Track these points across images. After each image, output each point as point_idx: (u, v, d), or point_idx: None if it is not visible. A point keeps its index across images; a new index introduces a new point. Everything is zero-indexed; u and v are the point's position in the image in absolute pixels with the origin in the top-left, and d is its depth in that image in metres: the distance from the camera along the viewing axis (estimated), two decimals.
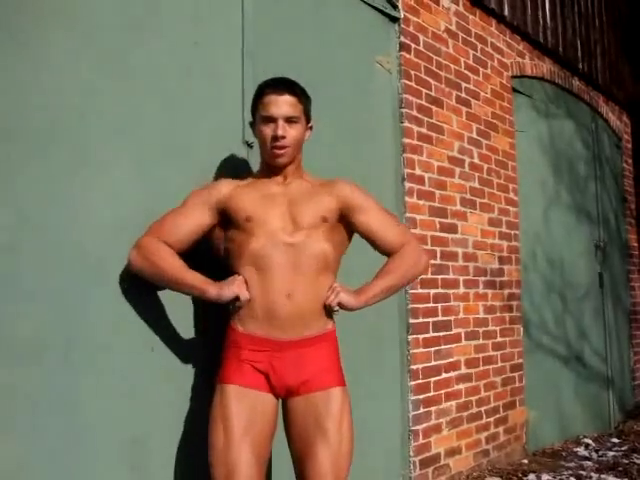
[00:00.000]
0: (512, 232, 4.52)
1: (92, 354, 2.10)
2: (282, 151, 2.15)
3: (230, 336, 2.14)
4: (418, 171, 3.66)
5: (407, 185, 3.57)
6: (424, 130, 3.74)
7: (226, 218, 2.18)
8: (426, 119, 3.77)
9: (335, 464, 2.05)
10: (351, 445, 2.12)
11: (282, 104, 2.14)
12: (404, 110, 3.59)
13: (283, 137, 2.13)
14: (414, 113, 3.67)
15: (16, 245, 1.96)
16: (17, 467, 1.91)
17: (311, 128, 2.28)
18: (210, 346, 2.44)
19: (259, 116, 2.18)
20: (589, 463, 4.35)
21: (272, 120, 2.14)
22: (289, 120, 2.14)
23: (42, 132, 2.04)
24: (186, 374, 2.37)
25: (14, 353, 1.92)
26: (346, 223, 2.24)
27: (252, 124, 2.27)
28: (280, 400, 2.14)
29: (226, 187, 2.21)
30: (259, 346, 2.08)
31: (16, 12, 2.01)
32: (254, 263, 2.08)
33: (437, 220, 3.78)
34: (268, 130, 2.15)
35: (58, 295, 2.03)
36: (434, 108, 3.84)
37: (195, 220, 2.17)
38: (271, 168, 2.22)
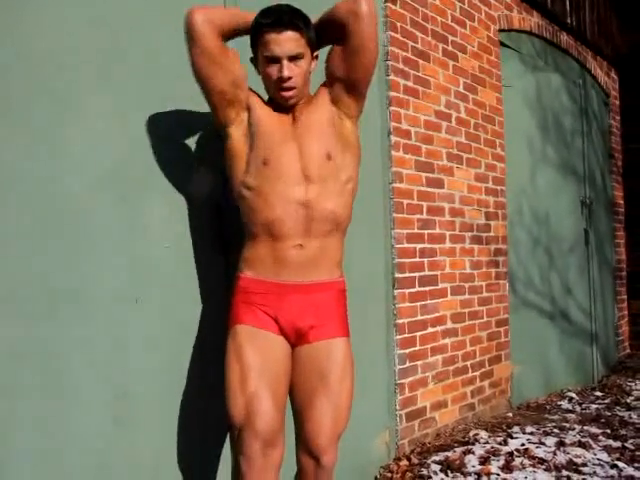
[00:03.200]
0: (499, 188, 4.57)
1: (77, 305, 2.12)
2: (290, 93, 2.12)
3: (238, 283, 2.17)
4: (404, 125, 3.68)
5: (393, 139, 3.59)
6: (410, 84, 3.75)
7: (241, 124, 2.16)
8: (412, 72, 3.78)
9: (334, 415, 2.11)
10: (351, 397, 2.18)
11: (284, 42, 2.06)
12: (390, 63, 3.60)
13: (289, 78, 2.09)
14: (400, 66, 3.68)
15: None
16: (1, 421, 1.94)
17: (317, 57, 2.22)
18: (199, 298, 2.47)
19: (261, 55, 2.12)
20: (572, 416, 4.48)
21: (276, 60, 2.09)
22: (294, 58, 2.09)
23: (19, 83, 2.03)
24: (172, 328, 2.39)
25: None
26: (345, 101, 2.21)
27: (252, 60, 2.20)
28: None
29: (253, 100, 2.19)
30: (268, 289, 2.12)
31: None
32: (266, 227, 2.10)
33: (423, 175, 3.82)
34: (273, 70, 2.10)
35: (41, 247, 2.04)
36: (420, 61, 3.85)
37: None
38: (280, 104, 2.18)
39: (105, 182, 2.22)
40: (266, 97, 2.26)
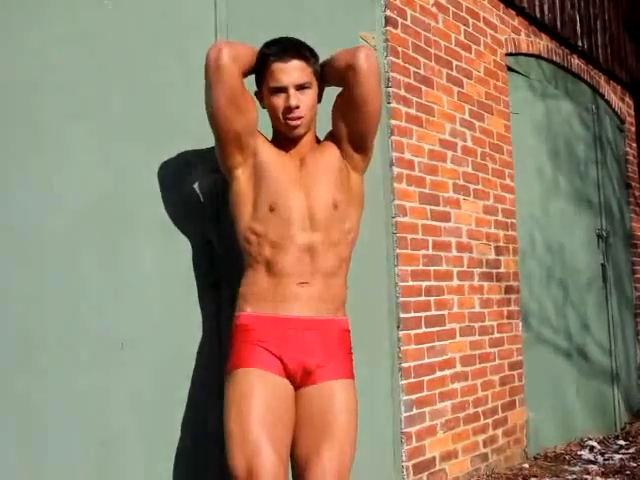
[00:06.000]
0: (509, 220, 4.48)
1: (54, 351, 2.05)
2: (297, 122, 2.13)
3: (237, 322, 2.14)
4: (407, 155, 3.62)
5: (395, 170, 3.52)
6: (413, 111, 3.70)
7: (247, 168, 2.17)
8: (415, 99, 3.72)
9: (340, 461, 2.06)
10: (355, 442, 2.14)
11: (291, 71, 2.10)
12: (391, 90, 3.54)
13: (297, 107, 2.10)
14: (402, 93, 3.63)
15: None
16: None
17: (323, 89, 2.25)
18: (188, 341, 2.43)
19: (267, 87, 2.14)
20: (594, 467, 4.33)
21: (282, 90, 2.11)
22: (301, 87, 2.11)
23: None
24: (160, 372, 2.32)
25: None
26: (350, 155, 2.25)
27: (257, 93, 2.22)
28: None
29: (260, 143, 2.20)
30: (271, 325, 2.09)
31: None
32: (271, 266, 2.11)
33: (428, 208, 3.75)
34: (279, 101, 2.12)
35: (17, 286, 2.00)
36: (423, 88, 3.80)
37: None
38: (286, 139, 2.20)
39: (86, 216, 2.17)
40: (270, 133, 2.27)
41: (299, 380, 2.10)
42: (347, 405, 2.12)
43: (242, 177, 2.17)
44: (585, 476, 4.07)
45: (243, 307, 2.15)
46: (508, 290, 4.40)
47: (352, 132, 2.22)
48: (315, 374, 2.10)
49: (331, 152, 2.23)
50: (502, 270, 4.36)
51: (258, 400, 2.02)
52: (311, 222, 2.13)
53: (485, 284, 4.18)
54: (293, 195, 2.13)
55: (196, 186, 2.51)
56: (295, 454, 2.11)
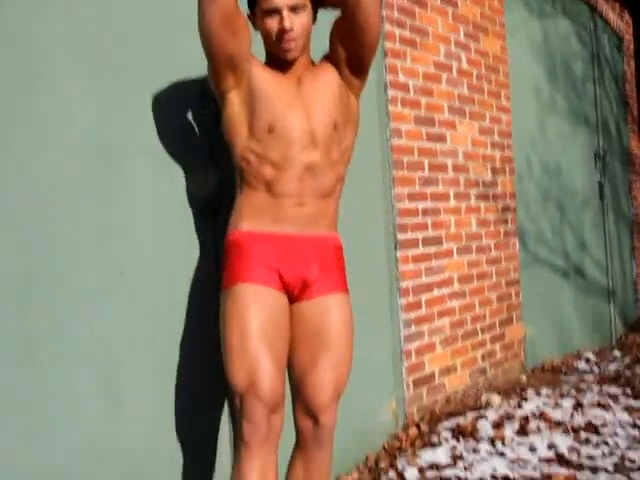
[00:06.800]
0: (505, 141, 4.54)
1: (53, 280, 2.11)
2: (291, 45, 2.11)
3: (233, 239, 2.16)
4: (402, 78, 3.65)
5: (390, 93, 3.56)
6: (407, 33, 3.71)
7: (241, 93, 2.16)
8: (408, 21, 3.72)
9: (336, 373, 2.13)
10: (352, 355, 2.20)
11: None
12: (384, 12, 3.55)
13: (291, 29, 2.08)
14: (395, 15, 3.63)
15: None
16: None
17: (317, 10, 2.22)
18: (189, 265, 2.47)
19: (260, 9, 2.11)
20: (590, 376, 4.51)
21: (276, 12, 2.08)
22: (294, 9, 2.08)
23: None
24: (159, 299, 2.39)
25: None
26: (348, 73, 2.24)
27: (249, 17, 2.19)
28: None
29: (254, 65, 2.17)
30: (269, 240, 2.13)
31: None
32: (269, 185, 2.13)
33: (424, 130, 3.79)
34: (273, 23, 2.09)
35: (9, 224, 2.02)
36: (417, 9, 3.79)
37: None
38: (281, 62, 2.18)
39: (73, 156, 2.18)
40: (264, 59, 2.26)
41: (296, 294, 2.16)
42: (343, 318, 2.18)
43: (236, 100, 2.16)
44: (581, 385, 4.23)
45: (239, 224, 2.16)
46: (505, 210, 4.49)
47: (351, 55, 2.20)
48: (312, 288, 2.15)
49: (328, 73, 2.22)
50: (499, 190, 4.44)
51: (258, 315, 2.06)
52: (312, 141, 2.14)
53: (482, 204, 4.27)
54: (292, 114, 2.12)
55: (190, 116, 2.53)
56: (291, 367, 2.18)
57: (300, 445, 2.20)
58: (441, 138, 3.93)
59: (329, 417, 2.14)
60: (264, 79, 2.16)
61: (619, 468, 3.00)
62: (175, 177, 2.46)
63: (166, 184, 2.43)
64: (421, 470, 3.03)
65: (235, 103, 2.17)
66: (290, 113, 2.13)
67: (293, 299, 2.17)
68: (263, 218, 2.14)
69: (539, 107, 5.01)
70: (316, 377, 2.12)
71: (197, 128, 2.53)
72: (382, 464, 3.12)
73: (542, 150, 5.00)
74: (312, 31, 2.21)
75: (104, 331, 2.22)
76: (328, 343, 2.13)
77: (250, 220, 2.15)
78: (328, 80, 2.22)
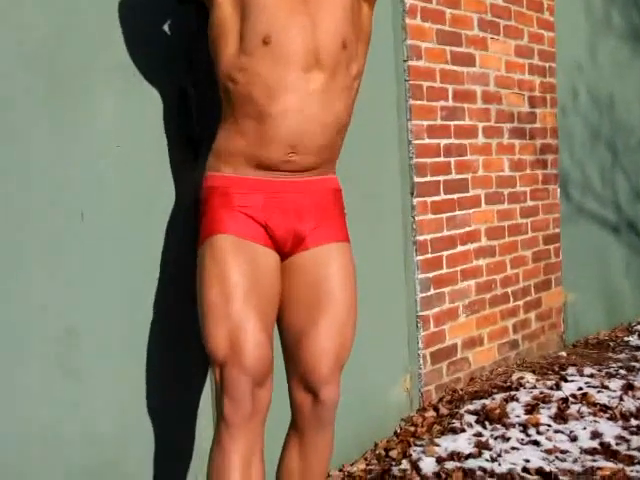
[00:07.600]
0: (547, 65, 4.51)
1: (9, 218, 2.10)
2: None
3: (212, 184, 2.16)
4: None
5: (408, 2, 3.52)
6: None
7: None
8: None
9: (340, 337, 2.15)
10: (356, 313, 2.21)
11: None
12: None
13: None
14: None
15: None
16: None
17: None
18: (164, 206, 2.47)
19: None
20: None
21: None
22: None
23: None
24: (123, 245, 2.38)
25: None
26: None
27: None
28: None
29: None
30: (254, 188, 2.12)
31: None
32: (258, 121, 2.09)
33: (448, 49, 3.77)
34: None
35: None
36: None
37: None
38: None
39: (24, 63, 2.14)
40: None
41: (289, 248, 2.16)
42: (345, 270, 2.18)
43: (225, 2, 2.13)
44: (632, 364, 4.26)
45: (218, 166, 2.17)
46: (544, 150, 4.48)
47: None
48: (308, 239, 2.16)
49: None
50: (537, 125, 4.43)
51: (239, 271, 2.06)
52: (316, 59, 2.10)
53: (516, 142, 4.26)
54: (294, 23, 2.09)
55: (166, 26, 2.51)
56: (285, 330, 2.20)
57: (296, 426, 2.21)
58: (469, 60, 3.91)
59: (331, 391, 2.15)
60: None
61: None
62: (148, 100, 2.43)
63: (137, 107, 2.40)
64: (439, 460, 3.06)
65: (224, 6, 2.13)
66: (291, 23, 2.09)
67: (285, 255, 2.18)
68: (248, 160, 2.12)
69: (590, 24, 4.98)
70: (315, 342, 2.13)
71: (173, 36, 2.49)
72: (393, 453, 3.16)
73: (592, 78, 4.97)
74: None
75: (59, 292, 2.21)
76: (328, 301, 2.14)
77: (232, 162, 2.14)
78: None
